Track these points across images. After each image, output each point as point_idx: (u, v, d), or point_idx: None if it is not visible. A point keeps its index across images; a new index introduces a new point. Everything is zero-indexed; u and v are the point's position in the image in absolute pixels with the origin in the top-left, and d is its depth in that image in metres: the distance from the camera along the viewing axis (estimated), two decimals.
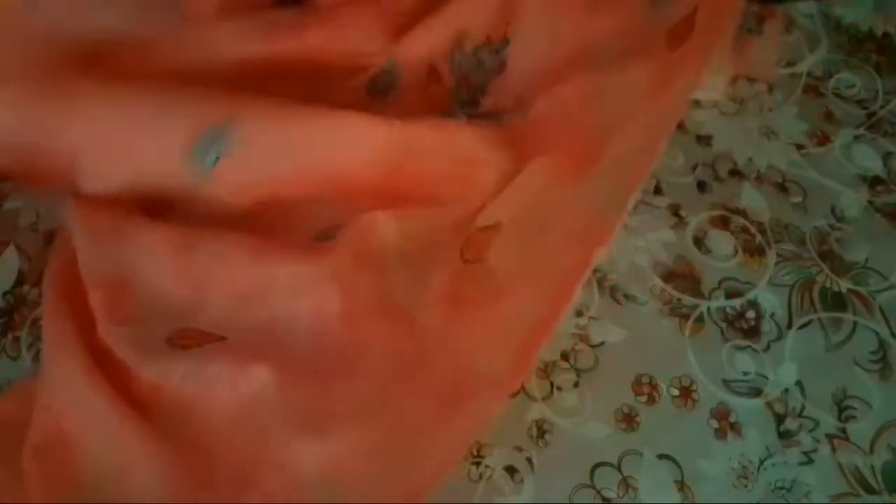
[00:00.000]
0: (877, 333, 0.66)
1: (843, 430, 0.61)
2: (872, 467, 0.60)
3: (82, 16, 0.53)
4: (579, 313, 0.65)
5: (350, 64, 0.59)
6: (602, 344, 0.64)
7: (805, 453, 0.60)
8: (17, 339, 0.62)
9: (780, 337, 0.65)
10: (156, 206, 0.59)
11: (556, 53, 0.58)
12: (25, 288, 0.64)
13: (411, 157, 0.53)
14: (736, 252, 0.69)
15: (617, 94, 0.61)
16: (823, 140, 0.76)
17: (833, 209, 0.72)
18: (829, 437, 0.61)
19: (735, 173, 0.74)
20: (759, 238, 0.70)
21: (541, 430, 0.60)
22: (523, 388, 0.61)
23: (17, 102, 0.53)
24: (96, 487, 0.52)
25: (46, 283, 0.59)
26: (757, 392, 0.63)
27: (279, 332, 0.53)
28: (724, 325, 0.66)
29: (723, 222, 0.71)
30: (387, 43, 0.59)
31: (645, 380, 0.63)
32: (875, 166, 0.75)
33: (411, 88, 0.59)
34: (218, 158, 0.52)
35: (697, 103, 0.78)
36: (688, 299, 0.67)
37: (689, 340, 0.65)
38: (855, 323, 0.66)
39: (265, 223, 0.56)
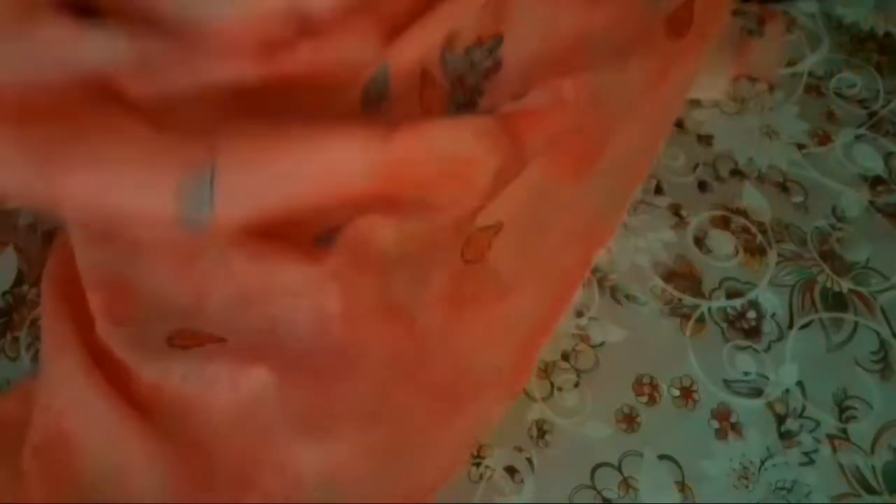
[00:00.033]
0: (878, 334, 0.66)
1: (844, 431, 0.61)
2: (873, 468, 0.60)
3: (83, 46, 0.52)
4: (580, 313, 0.65)
5: (344, 74, 0.58)
6: (602, 344, 0.64)
7: (806, 454, 0.60)
8: (16, 340, 0.62)
9: (780, 337, 0.65)
10: None
11: (553, 48, 0.58)
12: (24, 288, 0.64)
13: (406, 164, 0.53)
14: (737, 252, 0.69)
15: (617, 90, 0.60)
16: (824, 140, 0.76)
17: (834, 209, 0.72)
18: (830, 437, 0.61)
19: (736, 173, 0.74)
20: (759, 238, 0.70)
21: (541, 431, 0.60)
22: (523, 388, 0.61)
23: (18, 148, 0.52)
24: (96, 487, 0.52)
25: (45, 282, 0.59)
26: (758, 392, 0.63)
27: (279, 332, 0.53)
28: (724, 325, 0.66)
29: (723, 222, 0.71)
30: (380, 50, 0.58)
31: (645, 380, 0.63)
32: (876, 166, 0.75)
33: (406, 94, 0.58)
34: (208, 210, 0.50)
35: (698, 103, 0.78)
36: (688, 299, 0.67)
37: (690, 341, 0.65)
38: (856, 323, 0.66)
39: (265, 228, 0.56)
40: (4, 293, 0.64)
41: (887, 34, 0.83)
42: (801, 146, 0.76)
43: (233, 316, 0.54)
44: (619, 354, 0.64)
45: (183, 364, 0.53)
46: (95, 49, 0.50)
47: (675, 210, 0.71)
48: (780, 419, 0.62)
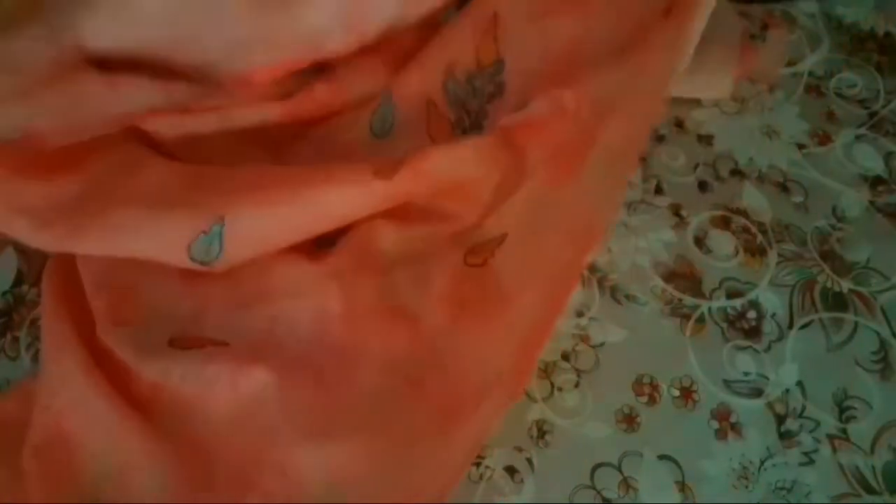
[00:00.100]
0: (878, 334, 0.66)
1: (844, 431, 0.61)
2: (873, 468, 0.60)
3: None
4: (580, 313, 0.65)
5: (355, 109, 0.60)
6: (602, 344, 0.64)
7: (806, 454, 0.60)
8: (16, 340, 0.62)
9: (780, 337, 0.65)
10: None
11: (553, 61, 0.58)
12: (24, 288, 0.64)
13: (411, 195, 0.54)
14: (737, 252, 0.69)
15: (619, 91, 0.60)
16: (825, 140, 0.76)
17: (834, 209, 0.72)
18: (830, 437, 0.61)
19: (736, 173, 0.74)
20: (760, 238, 0.70)
21: (541, 431, 0.60)
22: (524, 390, 0.61)
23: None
24: (96, 487, 0.52)
25: (45, 283, 0.59)
26: (758, 392, 0.63)
27: (279, 333, 0.53)
28: (724, 325, 0.66)
29: (724, 222, 0.71)
30: (386, 83, 0.60)
31: (645, 380, 0.63)
32: (876, 166, 0.75)
33: (412, 125, 0.59)
34: (218, 256, 0.53)
35: (698, 103, 0.78)
36: (688, 299, 0.67)
37: (690, 341, 0.65)
38: (856, 323, 0.66)
39: None
40: (4, 293, 0.64)
41: (887, 34, 0.83)
42: (801, 146, 0.76)
43: (234, 319, 0.54)
44: (619, 354, 0.64)
45: (182, 364, 0.53)
46: (130, 95, 0.53)
47: (676, 210, 0.71)
48: (780, 419, 0.62)
